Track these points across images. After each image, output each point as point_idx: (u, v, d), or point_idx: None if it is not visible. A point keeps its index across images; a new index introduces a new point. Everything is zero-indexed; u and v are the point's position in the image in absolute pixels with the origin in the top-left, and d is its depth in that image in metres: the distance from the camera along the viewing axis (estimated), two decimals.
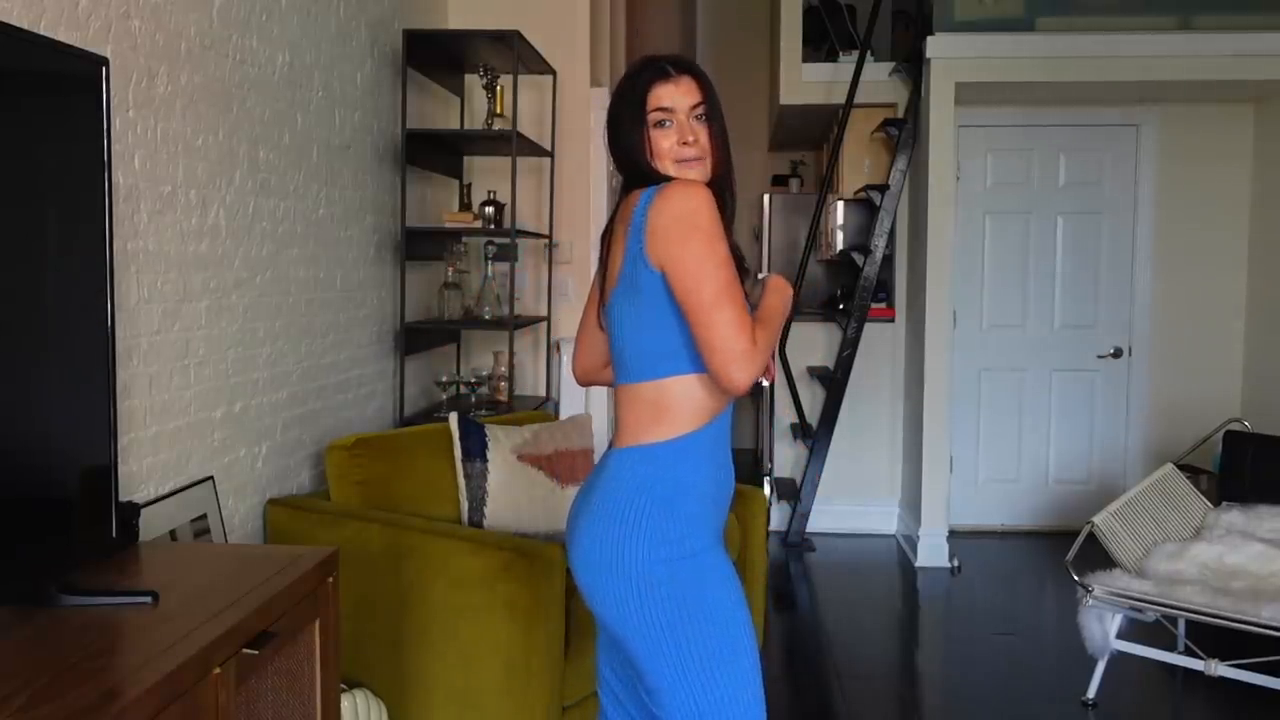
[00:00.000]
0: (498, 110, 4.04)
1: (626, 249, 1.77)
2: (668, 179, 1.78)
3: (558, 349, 4.48)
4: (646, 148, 1.80)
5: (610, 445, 1.87)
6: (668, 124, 1.80)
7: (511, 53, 3.83)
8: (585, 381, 2.11)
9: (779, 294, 1.85)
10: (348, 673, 2.52)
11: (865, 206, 5.60)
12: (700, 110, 1.82)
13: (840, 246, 5.78)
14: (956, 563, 5.02)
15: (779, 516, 5.61)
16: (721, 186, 1.83)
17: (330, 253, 3.34)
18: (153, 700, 1.30)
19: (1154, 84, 5.07)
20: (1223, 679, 3.24)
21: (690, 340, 1.73)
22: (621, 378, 1.84)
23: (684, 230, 1.69)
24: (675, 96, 1.80)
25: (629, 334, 1.80)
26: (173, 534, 2.43)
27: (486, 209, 4.09)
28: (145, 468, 2.36)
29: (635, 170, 1.83)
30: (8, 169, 1.48)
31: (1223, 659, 3.24)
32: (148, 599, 1.59)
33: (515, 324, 3.92)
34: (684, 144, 1.79)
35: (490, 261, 4.12)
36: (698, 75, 1.84)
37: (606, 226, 1.89)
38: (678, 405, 1.77)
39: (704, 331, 1.68)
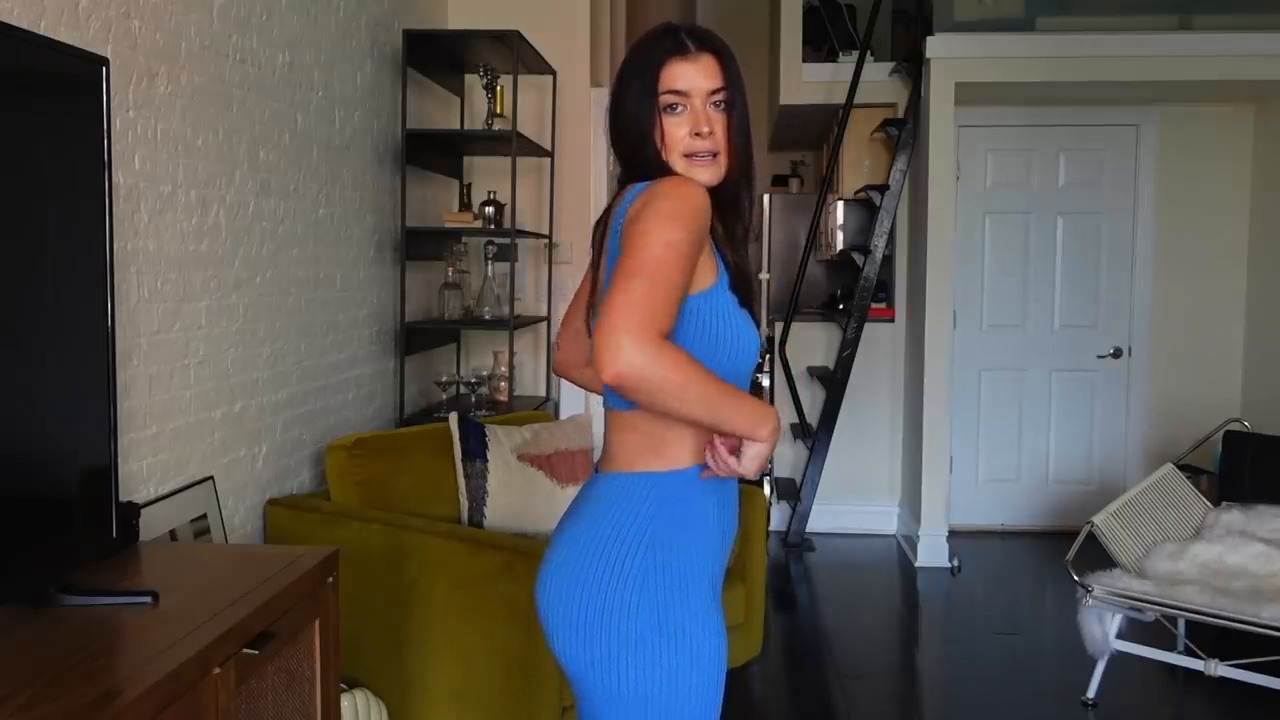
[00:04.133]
0: (498, 110, 4.04)
1: (608, 253, 1.54)
2: (673, 175, 1.52)
3: (558, 348, 4.47)
4: (657, 133, 1.53)
5: (595, 469, 1.62)
6: (680, 109, 1.53)
7: (511, 53, 3.82)
8: (563, 373, 1.89)
9: (757, 417, 1.44)
10: (348, 673, 2.51)
11: (865, 206, 5.60)
12: (720, 97, 1.53)
13: (840, 246, 5.78)
14: (956, 563, 5.02)
15: (779, 516, 5.61)
16: (737, 187, 1.57)
17: (330, 253, 3.34)
18: (153, 700, 1.30)
19: (1154, 84, 5.07)
20: (1223, 679, 3.24)
21: None
22: (613, 401, 1.58)
23: (646, 211, 1.43)
24: (692, 78, 1.52)
25: None
26: (173, 534, 2.43)
27: (486, 209, 4.09)
28: (145, 468, 2.36)
29: (638, 158, 1.55)
30: (8, 169, 1.48)
31: (1223, 659, 3.24)
32: (148, 599, 1.59)
33: (515, 324, 3.92)
34: (697, 135, 1.52)
35: (490, 261, 4.12)
36: (721, 54, 1.55)
37: (599, 220, 1.63)
38: (675, 437, 1.52)
39: (606, 298, 1.37)
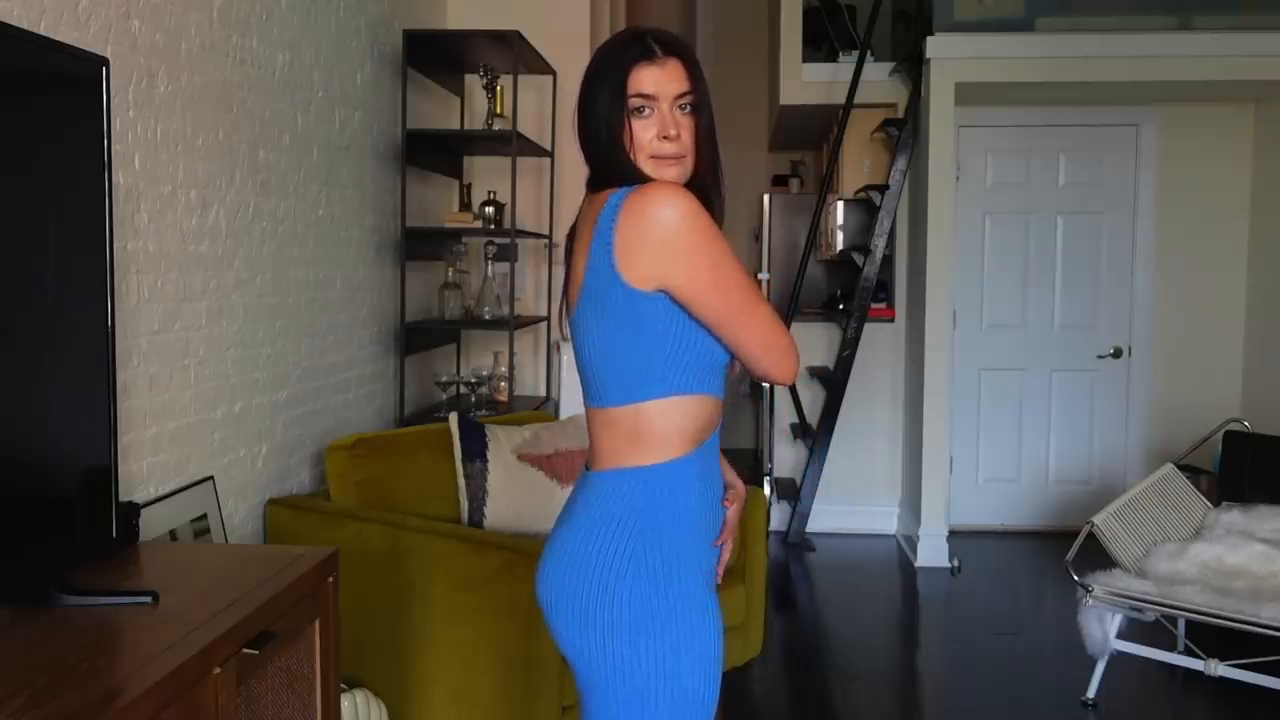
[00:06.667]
0: (498, 110, 4.04)
1: (590, 259, 1.55)
2: (646, 179, 1.56)
3: (558, 349, 4.48)
4: (627, 138, 1.56)
5: (585, 468, 1.67)
6: (647, 112, 1.56)
7: (511, 53, 3.83)
8: None
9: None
10: (348, 673, 2.52)
11: (865, 206, 5.60)
12: (686, 100, 1.57)
13: (840, 246, 5.78)
14: (956, 563, 5.02)
15: (779, 516, 5.61)
16: (706, 187, 1.61)
17: (330, 253, 3.34)
18: (153, 700, 1.30)
19: (1154, 84, 5.07)
20: (1223, 679, 3.24)
21: (669, 361, 1.55)
22: (591, 400, 1.63)
23: (686, 241, 1.50)
24: (660, 82, 1.56)
25: (597, 355, 1.58)
26: (173, 534, 2.43)
27: (486, 209, 4.09)
28: (145, 468, 2.36)
29: (609, 163, 1.58)
30: (9, 169, 1.48)
31: (1223, 659, 3.24)
32: (148, 599, 1.60)
33: (515, 324, 3.92)
34: (664, 138, 1.56)
35: (490, 261, 4.12)
36: (686, 58, 1.59)
37: (571, 229, 1.66)
38: (659, 431, 1.57)
39: (747, 333, 1.56)
